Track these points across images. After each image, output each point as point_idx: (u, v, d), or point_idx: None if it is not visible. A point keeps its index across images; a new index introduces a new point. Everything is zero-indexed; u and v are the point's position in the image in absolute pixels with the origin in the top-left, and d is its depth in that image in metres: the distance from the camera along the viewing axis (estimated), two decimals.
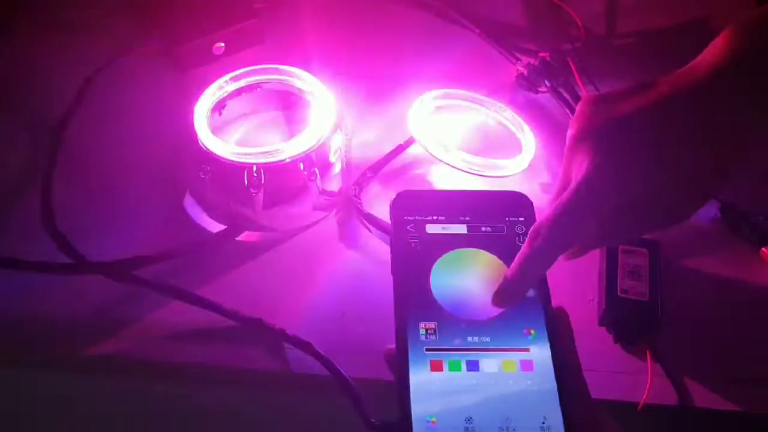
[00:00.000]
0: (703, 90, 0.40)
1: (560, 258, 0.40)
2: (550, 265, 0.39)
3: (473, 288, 0.40)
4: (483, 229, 0.42)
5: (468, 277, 0.40)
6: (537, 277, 0.40)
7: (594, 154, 0.40)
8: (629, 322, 0.53)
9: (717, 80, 0.40)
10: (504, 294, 0.39)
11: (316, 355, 0.51)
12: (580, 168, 0.40)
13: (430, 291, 0.39)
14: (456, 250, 0.41)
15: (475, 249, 0.41)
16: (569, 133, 0.42)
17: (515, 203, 0.43)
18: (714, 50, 0.40)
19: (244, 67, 0.63)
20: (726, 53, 0.40)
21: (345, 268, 0.58)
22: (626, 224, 0.42)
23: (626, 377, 0.51)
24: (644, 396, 0.50)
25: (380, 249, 0.58)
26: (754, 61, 0.39)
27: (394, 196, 0.43)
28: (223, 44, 0.72)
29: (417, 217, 0.42)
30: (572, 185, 0.40)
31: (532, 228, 0.39)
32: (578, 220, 0.40)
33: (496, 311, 0.39)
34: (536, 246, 0.39)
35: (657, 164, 0.39)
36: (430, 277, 0.40)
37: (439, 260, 0.40)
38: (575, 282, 0.56)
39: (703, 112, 0.39)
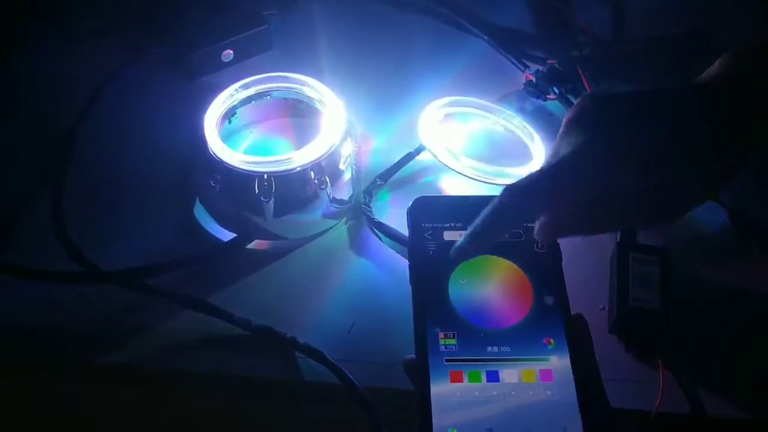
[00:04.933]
0: (709, 92, 0.40)
1: (538, 236, 0.40)
2: (513, 223, 0.40)
3: (492, 296, 0.40)
4: None
5: (486, 285, 0.40)
6: (499, 234, 0.40)
7: (587, 135, 0.39)
8: (641, 330, 0.52)
9: (723, 87, 0.40)
10: (464, 245, 0.39)
11: (328, 364, 0.51)
12: (568, 146, 0.40)
13: (449, 300, 0.39)
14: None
15: (493, 256, 0.41)
16: (565, 117, 0.42)
17: None
18: (718, 67, 0.41)
19: (253, 74, 0.64)
20: (727, 72, 0.40)
21: (355, 276, 0.58)
22: (613, 211, 0.40)
23: (638, 386, 0.51)
24: (656, 404, 0.50)
25: (391, 257, 0.58)
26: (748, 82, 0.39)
27: (410, 203, 0.43)
28: (231, 52, 0.72)
29: (435, 224, 0.42)
30: (559, 158, 0.40)
31: (505, 186, 0.39)
32: (551, 188, 0.39)
33: (516, 319, 0.39)
34: (504, 202, 0.39)
35: (656, 154, 0.39)
36: (449, 285, 0.40)
37: (457, 268, 0.40)
38: (586, 290, 0.56)
39: (709, 109, 0.39)
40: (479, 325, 0.39)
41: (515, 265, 0.40)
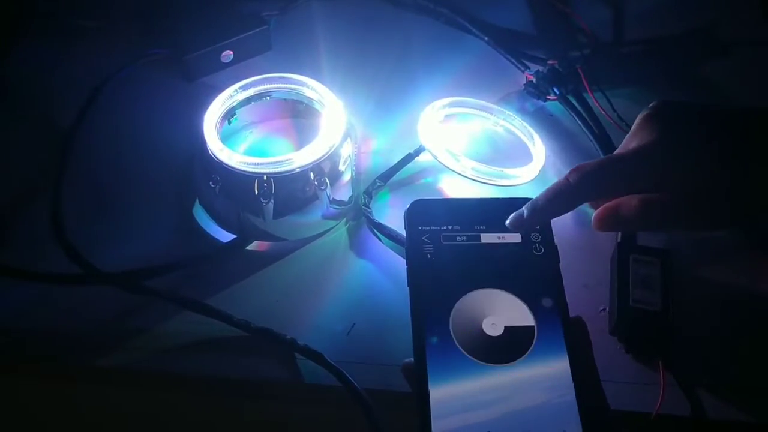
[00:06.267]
0: None
1: (596, 223, 0.42)
2: (575, 203, 0.41)
3: (491, 330, 0.39)
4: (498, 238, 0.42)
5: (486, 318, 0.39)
6: (560, 212, 0.41)
7: (657, 133, 0.41)
8: (641, 332, 0.52)
9: None
10: (522, 218, 0.41)
11: (328, 366, 0.51)
12: (643, 139, 0.41)
13: (447, 303, 0.39)
14: (474, 292, 0.40)
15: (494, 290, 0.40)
16: (640, 115, 0.43)
17: None
18: None
19: (253, 75, 0.63)
20: None
21: (355, 278, 0.58)
22: (668, 210, 0.41)
23: (638, 388, 0.51)
24: (657, 406, 0.50)
25: (390, 258, 0.58)
26: None
27: (408, 206, 0.43)
28: (231, 52, 0.72)
29: (432, 227, 0.41)
30: (631, 147, 0.41)
31: (574, 167, 0.41)
32: (620, 175, 0.40)
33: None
34: (570, 181, 0.40)
35: (712, 161, 0.40)
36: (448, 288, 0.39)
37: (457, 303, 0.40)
38: (586, 291, 0.56)
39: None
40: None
41: (516, 298, 0.40)
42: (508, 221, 0.41)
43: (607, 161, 0.41)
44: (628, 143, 0.43)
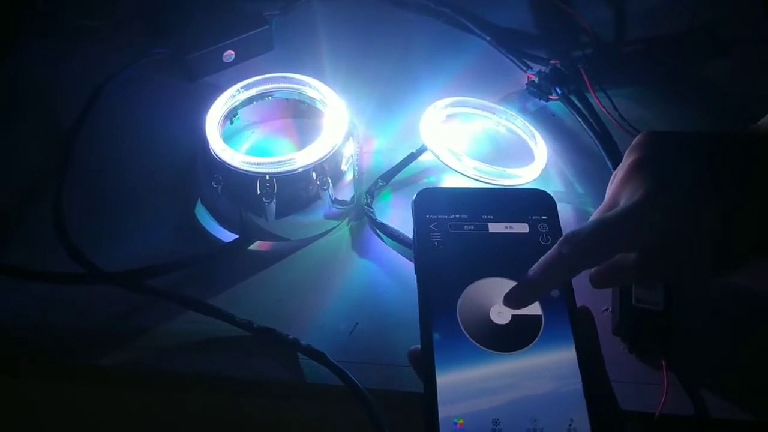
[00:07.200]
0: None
1: (595, 284, 0.41)
2: (572, 275, 0.39)
3: (498, 319, 0.39)
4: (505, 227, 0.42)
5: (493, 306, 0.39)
6: (555, 285, 0.39)
7: (649, 186, 0.39)
8: (644, 331, 0.52)
9: None
10: (517, 294, 0.39)
11: (331, 366, 0.51)
12: (633, 194, 0.40)
13: (454, 292, 0.39)
14: (481, 280, 0.40)
15: (501, 279, 0.40)
16: (627, 160, 0.42)
17: (538, 201, 0.43)
18: None
19: (255, 74, 0.63)
20: None
21: (358, 278, 0.58)
22: (670, 262, 0.40)
23: (641, 387, 0.51)
24: (660, 406, 0.50)
25: (393, 258, 0.58)
26: None
27: (415, 195, 0.43)
28: (233, 52, 0.72)
29: (440, 216, 0.42)
30: (621, 207, 0.40)
31: (564, 234, 0.39)
32: (616, 241, 0.39)
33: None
34: (564, 253, 0.38)
35: (715, 204, 0.39)
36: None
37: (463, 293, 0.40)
38: (589, 291, 0.55)
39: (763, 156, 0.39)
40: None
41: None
42: (503, 298, 0.39)
43: (598, 229, 0.39)
44: (615, 196, 0.42)
